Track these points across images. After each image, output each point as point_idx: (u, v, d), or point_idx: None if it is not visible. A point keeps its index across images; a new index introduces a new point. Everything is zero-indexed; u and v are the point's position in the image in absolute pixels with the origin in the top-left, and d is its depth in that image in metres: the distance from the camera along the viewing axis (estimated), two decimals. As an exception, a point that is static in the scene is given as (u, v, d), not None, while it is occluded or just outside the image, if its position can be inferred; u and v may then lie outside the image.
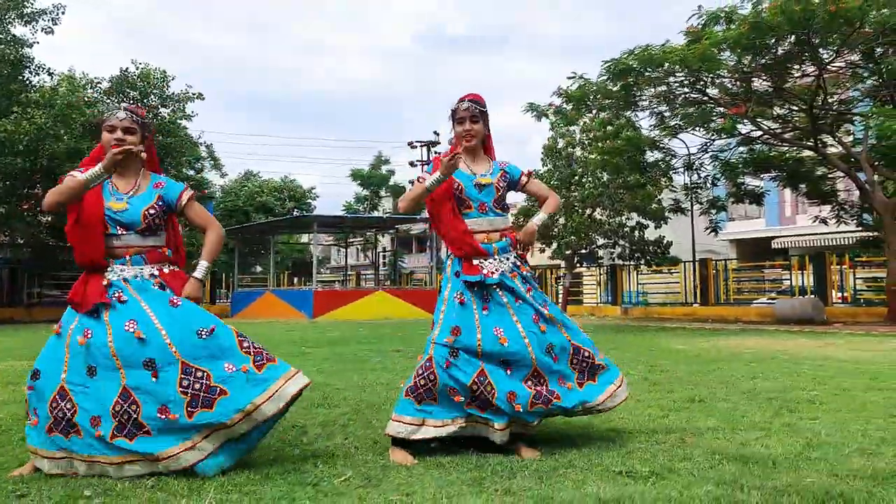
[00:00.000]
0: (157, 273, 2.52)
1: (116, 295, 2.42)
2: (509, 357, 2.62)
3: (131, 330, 2.33)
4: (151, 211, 2.54)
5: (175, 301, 2.44)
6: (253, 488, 2.15)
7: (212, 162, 29.19)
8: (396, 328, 12.35)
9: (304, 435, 2.96)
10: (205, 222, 2.63)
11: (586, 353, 2.77)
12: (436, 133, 38.02)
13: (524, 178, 2.99)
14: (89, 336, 2.35)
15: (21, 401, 3.73)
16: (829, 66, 12.20)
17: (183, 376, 2.29)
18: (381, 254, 35.26)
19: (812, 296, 14.59)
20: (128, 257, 2.50)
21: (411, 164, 37.25)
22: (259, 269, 34.29)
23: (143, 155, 2.49)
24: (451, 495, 2.05)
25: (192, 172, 23.84)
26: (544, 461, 2.46)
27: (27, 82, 17.81)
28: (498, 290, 2.74)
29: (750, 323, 14.04)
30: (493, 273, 2.73)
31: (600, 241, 20.68)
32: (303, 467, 2.39)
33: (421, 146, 37.00)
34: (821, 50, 11.65)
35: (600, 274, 21.58)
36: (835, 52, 11.70)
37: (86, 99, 17.24)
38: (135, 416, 2.27)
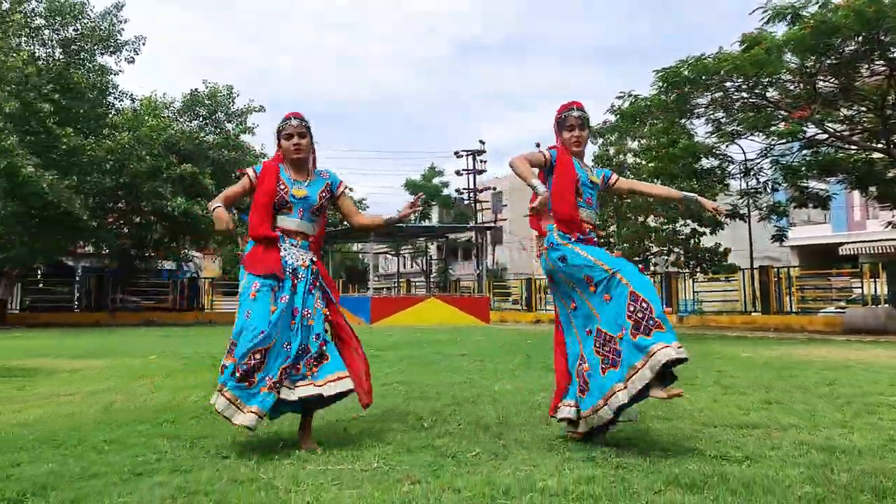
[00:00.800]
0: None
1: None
2: None
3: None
4: (324, 193, 3.09)
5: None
6: (404, 458, 2.60)
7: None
8: (452, 333, 12.78)
9: (423, 420, 3.41)
10: (354, 211, 3.27)
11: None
12: (481, 142, 38.66)
13: (614, 178, 3.42)
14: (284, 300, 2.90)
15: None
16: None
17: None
18: (428, 261, 35.84)
19: (886, 305, 14.17)
20: (298, 240, 3.01)
21: (457, 172, 37.88)
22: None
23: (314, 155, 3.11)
24: (571, 468, 2.43)
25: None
26: (640, 444, 2.80)
27: (111, 106, 19.28)
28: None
29: (816, 332, 13.79)
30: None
31: (654, 249, 20.57)
32: (435, 444, 2.83)
33: (467, 155, 37.61)
34: (892, 48, 11.41)
35: (655, 282, 21.41)
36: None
37: (163, 118, 18.51)
38: None
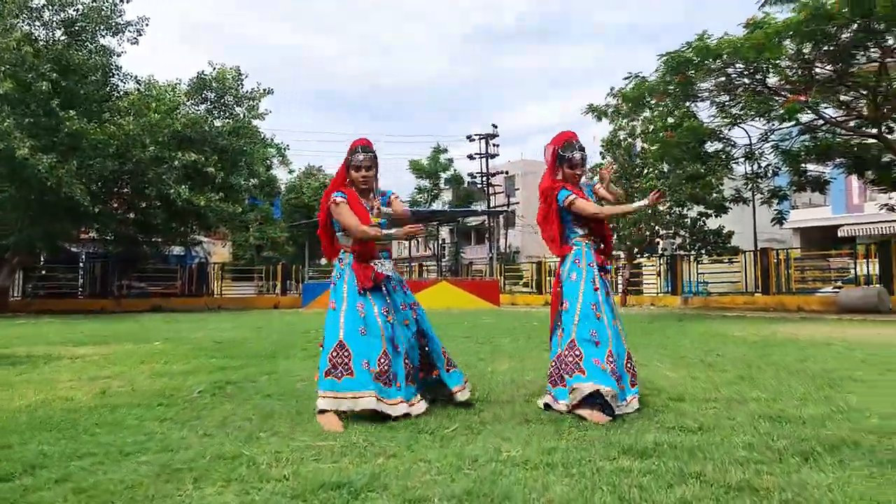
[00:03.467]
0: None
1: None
2: None
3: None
4: (386, 211, 3.49)
5: None
6: (384, 434, 2.78)
7: (280, 159, 30.50)
8: (460, 317, 12.98)
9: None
10: (400, 210, 3.57)
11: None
12: (494, 126, 38.54)
13: (597, 187, 3.77)
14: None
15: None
16: (894, 53, 11.91)
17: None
18: (440, 245, 36.05)
19: (878, 285, 14.27)
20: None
21: (470, 157, 37.88)
22: (323, 261, 35.69)
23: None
24: (538, 440, 2.61)
25: (262, 169, 25.04)
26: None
27: (115, 88, 19.31)
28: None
29: (812, 312, 13.93)
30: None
31: (661, 232, 20.69)
32: (417, 421, 3.01)
33: (480, 139, 37.57)
34: (886, 36, 11.41)
35: (660, 264, 21.55)
36: (898, 38, 11.43)
37: (168, 103, 18.49)
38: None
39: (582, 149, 3.55)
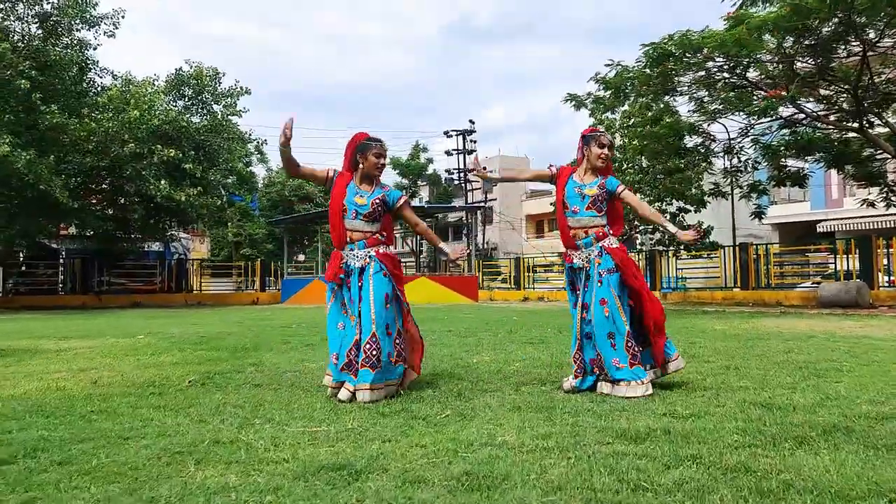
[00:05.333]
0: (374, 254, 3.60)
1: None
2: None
3: None
4: (376, 201, 3.62)
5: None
6: (378, 421, 2.79)
7: (258, 155, 30.29)
8: (440, 312, 13.01)
9: (400, 389, 3.58)
10: (416, 221, 3.88)
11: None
12: (471, 122, 38.59)
13: (620, 188, 3.75)
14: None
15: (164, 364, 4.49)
16: (876, 46, 12.07)
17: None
18: (418, 241, 36.02)
19: (857, 280, 14.56)
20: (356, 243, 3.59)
21: (447, 153, 37.90)
22: (302, 257, 35.47)
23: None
24: (531, 426, 2.64)
25: (240, 166, 24.86)
26: (601, 405, 3.02)
27: (92, 82, 19.00)
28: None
29: (792, 307, 14.16)
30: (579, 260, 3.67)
31: (639, 227, 20.87)
32: (410, 408, 3.03)
33: (457, 135, 37.58)
34: (867, 29, 11.57)
35: (639, 260, 21.77)
36: (881, 32, 11.61)
37: (146, 101, 18.23)
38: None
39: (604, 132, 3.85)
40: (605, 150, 3.65)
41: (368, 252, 3.55)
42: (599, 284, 3.51)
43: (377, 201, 3.61)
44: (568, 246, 3.68)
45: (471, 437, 2.46)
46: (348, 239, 3.57)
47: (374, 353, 3.33)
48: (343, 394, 3.30)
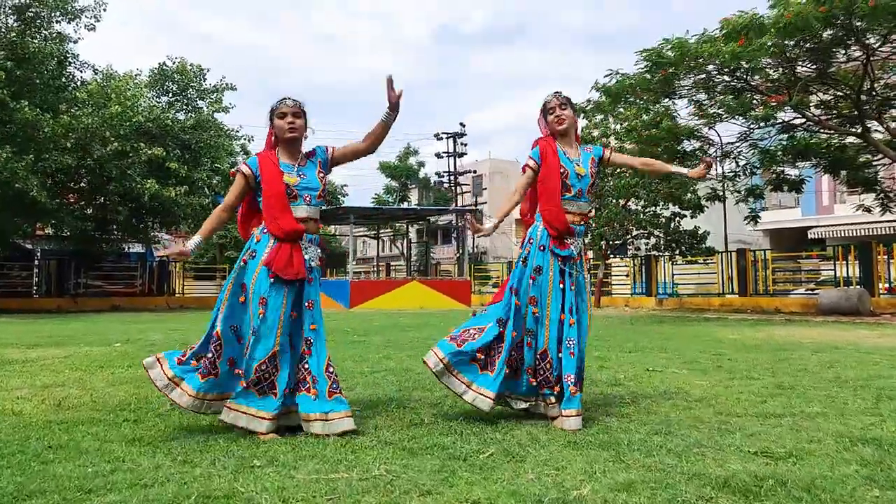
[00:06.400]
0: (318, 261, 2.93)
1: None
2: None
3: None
4: (320, 174, 2.93)
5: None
6: (407, 462, 2.25)
7: (245, 155, 29.56)
8: (433, 317, 12.48)
9: (421, 415, 3.06)
10: (354, 146, 3.01)
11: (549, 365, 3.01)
12: (462, 125, 38.18)
13: (607, 153, 3.32)
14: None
15: (120, 382, 3.91)
16: (877, 51, 11.91)
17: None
18: (408, 244, 35.51)
19: (858, 287, 14.34)
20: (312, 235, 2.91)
21: (437, 155, 37.41)
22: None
23: (307, 134, 2.93)
24: (602, 471, 2.12)
25: (226, 166, 24.21)
26: (667, 439, 2.52)
27: (72, 77, 18.23)
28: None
29: (792, 314, 13.88)
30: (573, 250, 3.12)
31: (635, 232, 20.56)
32: (443, 442, 2.49)
33: (447, 137, 37.12)
34: (868, 35, 11.39)
35: (634, 265, 21.44)
36: (882, 38, 11.44)
37: (129, 97, 17.53)
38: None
39: (558, 92, 3.23)
40: (557, 111, 3.15)
41: (318, 252, 2.90)
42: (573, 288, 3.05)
43: (322, 175, 2.92)
44: (565, 232, 3.07)
45: (534, 490, 1.94)
46: (303, 230, 2.84)
47: (335, 377, 2.79)
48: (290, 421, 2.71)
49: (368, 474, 2.11)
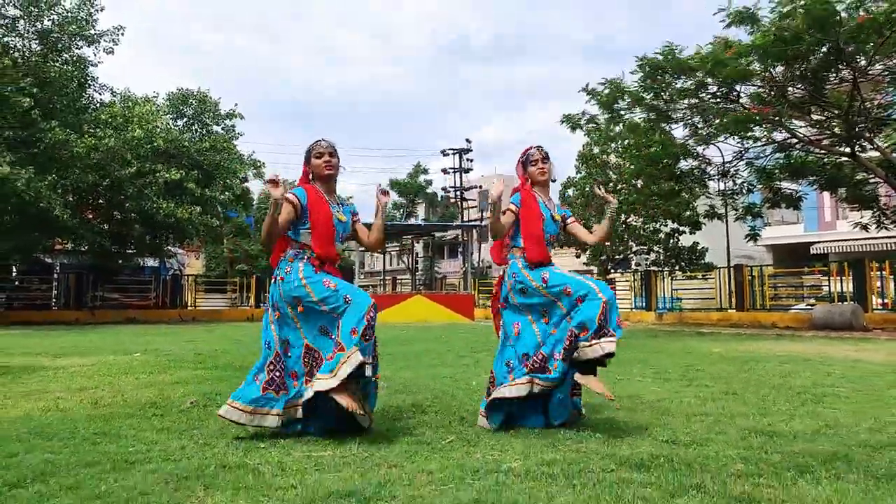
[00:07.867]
0: None
1: None
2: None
3: None
4: (355, 219, 3.42)
5: None
6: (382, 446, 2.80)
7: (254, 171, 30.49)
8: (437, 331, 12.99)
9: (403, 412, 3.63)
10: (364, 235, 3.46)
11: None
12: (468, 140, 38.92)
13: (571, 219, 3.67)
14: None
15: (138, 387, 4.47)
16: (868, 72, 12.29)
17: None
18: (414, 259, 36.12)
19: (851, 302, 14.65)
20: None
21: (444, 171, 38.11)
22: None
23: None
24: (535, 452, 2.66)
25: (236, 182, 25.04)
26: (604, 431, 3.04)
27: (91, 99, 19.13)
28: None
29: (787, 329, 14.23)
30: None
31: (634, 248, 21.01)
32: (413, 433, 3.04)
33: (453, 154, 37.85)
34: (858, 56, 11.79)
35: (634, 280, 21.86)
36: (871, 59, 11.83)
37: (149, 120, 18.39)
38: None
39: (540, 147, 3.56)
40: (541, 164, 3.51)
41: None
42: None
43: (351, 224, 3.34)
44: (544, 261, 3.38)
45: (476, 464, 2.48)
46: (337, 260, 3.25)
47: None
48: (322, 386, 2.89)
49: (349, 452, 2.68)
